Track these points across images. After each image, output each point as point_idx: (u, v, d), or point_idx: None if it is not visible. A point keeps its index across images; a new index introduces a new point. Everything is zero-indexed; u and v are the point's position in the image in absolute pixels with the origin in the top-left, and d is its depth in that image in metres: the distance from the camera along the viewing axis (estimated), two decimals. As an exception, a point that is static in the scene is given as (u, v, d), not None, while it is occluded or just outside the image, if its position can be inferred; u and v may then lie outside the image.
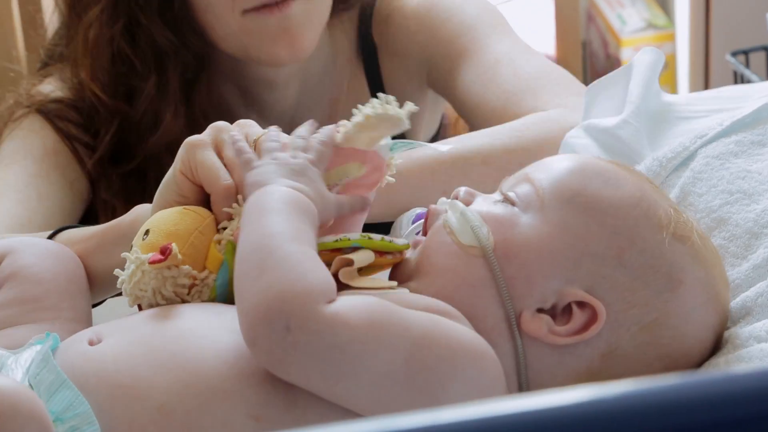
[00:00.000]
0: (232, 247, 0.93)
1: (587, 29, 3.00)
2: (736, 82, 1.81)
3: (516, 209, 0.91)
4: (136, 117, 1.29)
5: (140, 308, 0.94)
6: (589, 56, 3.02)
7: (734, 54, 1.82)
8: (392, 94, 1.36)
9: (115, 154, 1.31)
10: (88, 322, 1.00)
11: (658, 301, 0.89)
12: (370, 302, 0.83)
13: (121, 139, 1.31)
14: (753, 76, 1.73)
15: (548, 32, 2.32)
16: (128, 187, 1.31)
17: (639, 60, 1.18)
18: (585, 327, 0.87)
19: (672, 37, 2.81)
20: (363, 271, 0.91)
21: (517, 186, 0.93)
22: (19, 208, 1.24)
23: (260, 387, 0.83)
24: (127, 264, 0.93)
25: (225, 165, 0.96)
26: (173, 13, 1.27)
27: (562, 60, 2.10)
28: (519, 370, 0.87)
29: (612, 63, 2.88)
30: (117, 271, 0.94)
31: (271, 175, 0.90)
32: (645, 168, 1.11)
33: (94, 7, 1.27)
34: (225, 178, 0.95)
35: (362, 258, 0.90)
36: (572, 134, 1.15)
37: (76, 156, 1.31)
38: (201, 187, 0.97)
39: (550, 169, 0.93)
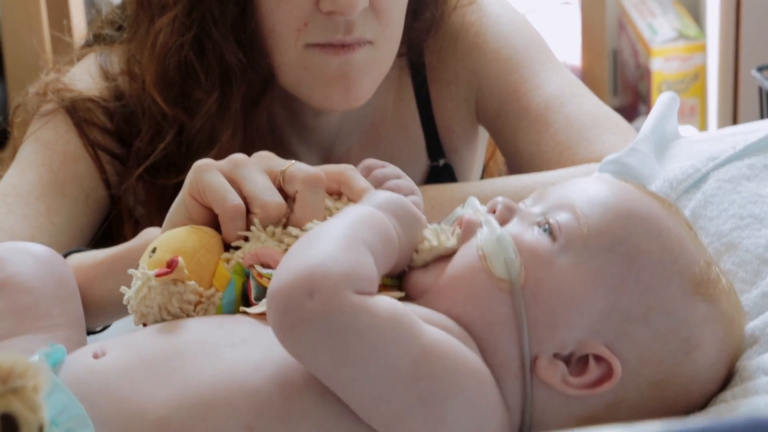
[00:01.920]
0: (241, 268, 0.94)
1: (618, 38, 2.98)
2: (761, 97, 1.80)
3: (555, 246, 0.88)
4: (192, 131, 1.24)
5: (145, 326, 0.94)
6: (620, 65, 3.00)
7: (760, 69, 1.80)
8: (441, 122, 1.37)
9: (156, 164, 1.27)
10: (80, 326, 1.00)
11: (672, 363, 0.88)
12: (396, 303, 0.83)
13: (168, 151, 1.27)
14: (778, 93, 1.72)
15: (575, 42, 2.30)
16: (154, 195, 1.28)
17: (657, 102, 1.19)
18: (598, 382, 0.86)
19: (703, 48, 2.79)
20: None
21: (559, 212, 0.90)
22: (24, 224, 1.22)
23: (254, 397, 0.83)
24: (133, 281, 0.94)
25: (244, 199, 0.96)
26: (246, 33, 1.22)
27: (587, 70, 2.09)
28: (524, 407, 0.86)
29: (642, 73, 2.86)
30: (123, 288, 0.94)
31: (374, 199, 0.91)
32: (656, 190, 1.10)
33: (168, 12, 1.22)
34: (232, 199, 0.96)
35: None
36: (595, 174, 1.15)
37: (97, 164, 1.28)
38: (210, 211, 0.97)
39: (595, 204, 0.89)
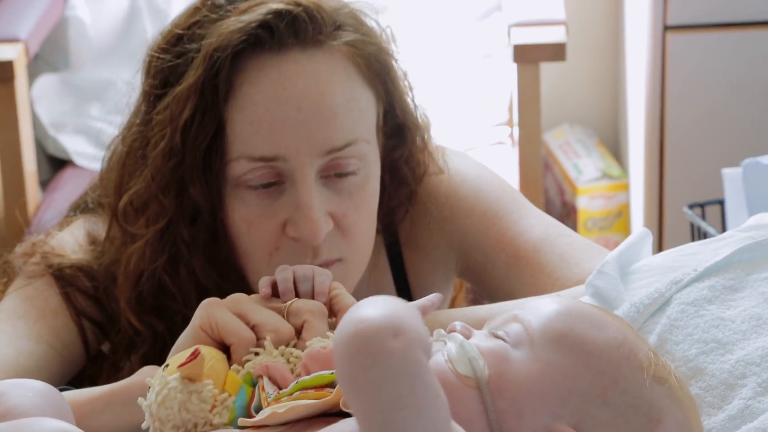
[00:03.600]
0: (250, 378, 0.99)
1: (544, 177, 3.08)
2: (692, 233, 1.86)
3: (508, 345, 0.95)
4: (170, 337, 1.22)
5: None
6: (545, 203, 3.09)
7: (691, 207, 1.87)
8: (415, 285, 1.39)
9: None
10: None
11: None
12: None
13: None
14: (710, 229, 1.79)
15: (513, 181, 2.38)
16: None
17: (632, 234, 1.25)
18: None
19: (626, 187, 2.89)
20: None
21: (505, 326, 0.97)
22: None
23: None
24: (150, 390, 0.98)
25: (253, 327, 1.03)
26: (220, 257, 1.24)
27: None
28: None
29: (568, 210, 2.95)
30: (140, 400, 0.97)
31: None
32: (622, 314, 1.14)
33: (139, 239, 1.23)
34: (247, 330, 1.03)
35: None
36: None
37: (77, 323, 1.27)
38: (216, 343, 1.03)
39: (538, 311, 0.98)
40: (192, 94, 1.18)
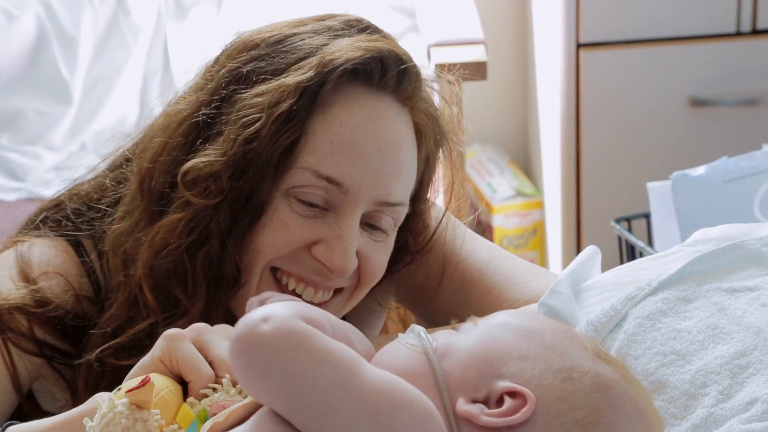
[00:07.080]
0: (205, 414, 0.97)
1: (457, 197, 3.09)
2: (620, 247, 1.89)
3: (458, 333, 1.00)
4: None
5: None
6: (460, 223, 3.10)
7: (618, 221, 1.90)
8: (351, 320, 1.37)
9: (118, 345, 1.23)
10: None
11: (589, 399, 0.95)
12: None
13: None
14: (638, 242, 1.81)
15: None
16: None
17: (581, 253, 1.26)
18: (516, 410, 0.93)
19: (540, 205, 2.92)
20: None
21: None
22: None
23: None
24: (98, 412, 0.96)
25: (211, 362, 1.03)
26: (249, 250, 1.23)
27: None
28: None
29: (483, 229, 2.96)
30: (86, 420, 0.96)
31: None
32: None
33: (176, 213, 1.21)
34: (205, 370, 1.02)
35: None
36: None
37: (10, 371, 1.23)
38: (174, 375, 1.02)
39: (489, 316, 1.03)
40: (296, 91, 1.19)
